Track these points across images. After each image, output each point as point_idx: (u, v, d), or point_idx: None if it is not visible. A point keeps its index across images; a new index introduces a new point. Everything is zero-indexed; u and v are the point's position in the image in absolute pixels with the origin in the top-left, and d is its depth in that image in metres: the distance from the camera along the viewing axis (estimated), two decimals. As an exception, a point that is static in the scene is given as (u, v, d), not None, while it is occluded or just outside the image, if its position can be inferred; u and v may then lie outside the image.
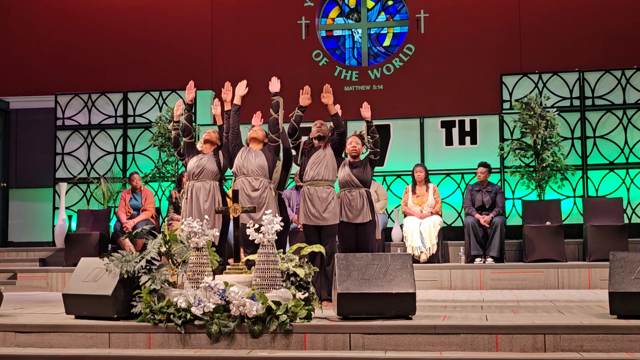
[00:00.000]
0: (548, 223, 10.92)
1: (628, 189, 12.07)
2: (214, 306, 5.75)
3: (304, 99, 7.97)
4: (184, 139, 8.07)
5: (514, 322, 5.78)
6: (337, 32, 14.83)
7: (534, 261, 10.58)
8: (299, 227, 8.62)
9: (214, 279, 5.94)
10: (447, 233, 11.80)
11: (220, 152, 7.96)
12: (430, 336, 5.55)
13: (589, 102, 12.40)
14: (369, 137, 7.99)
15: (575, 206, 12.08)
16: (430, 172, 11.74)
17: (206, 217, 6.55)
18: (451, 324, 5.72)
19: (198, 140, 8.66)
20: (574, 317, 6.06)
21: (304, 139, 8.06)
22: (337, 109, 7.98)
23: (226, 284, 5.86)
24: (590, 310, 6.72)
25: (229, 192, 6.93)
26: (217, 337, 5.70)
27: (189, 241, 6.15)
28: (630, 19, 13.29)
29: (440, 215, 11.18)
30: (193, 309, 5.73)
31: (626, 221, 11.64)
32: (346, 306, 5.95)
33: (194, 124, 8.03)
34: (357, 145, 8.07)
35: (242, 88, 8.01)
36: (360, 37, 14.73)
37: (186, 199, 7.80)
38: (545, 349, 5.42)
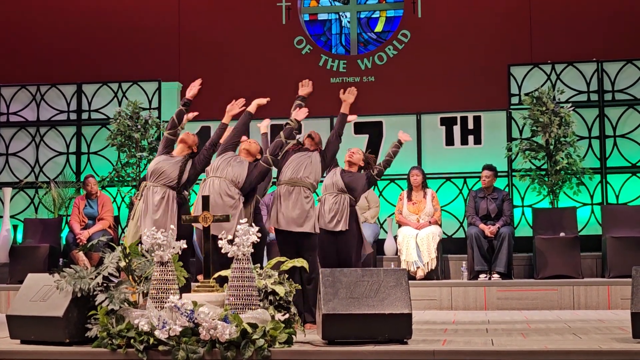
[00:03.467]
0: (562, 234, 10.96)
1: (653, 196, 12.16)
2: (180, 329, 5.73)
3: (305, 89, 7.98)
4: (166, 132, 8.08)
5: (523, 347, 5.79)
6: (322, 16, 14.86)
7: (546, 277, 10.61)
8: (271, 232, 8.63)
9: (180, 297, 5.92)
10: (448, 245, 11.81)
11: (190, 161, 7.91)
12: (429, 363, 5.56)
13: (608, 97, 12.46)
14: (378, 166, 8.13)
15: (593, 215, 12.13)
16: (428, 176, 11.76)
17: (172, 226, 6.53)
18: (452, 349, 5.72)
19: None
20: (591, 342, 6.08)
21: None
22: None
23: (195, 303, 5.84)
24: (610, 333, 6.74)
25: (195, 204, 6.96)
26: (185, 365, 5.67)
27: (152, 255, 6.13)
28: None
29: (440, 225, 11.20)
30: (157, 333, 5.71)
31: (651, 232, 11.69)
32: (332, 329, 5.94)
33: (175, 120, 8.03)
34: (356, 154, 8.14)
35: (263, 100, 8.06)
36: (348, 22, 14.76)
37: (138, 200, 7.80)
38: (559, 377, 5.44)
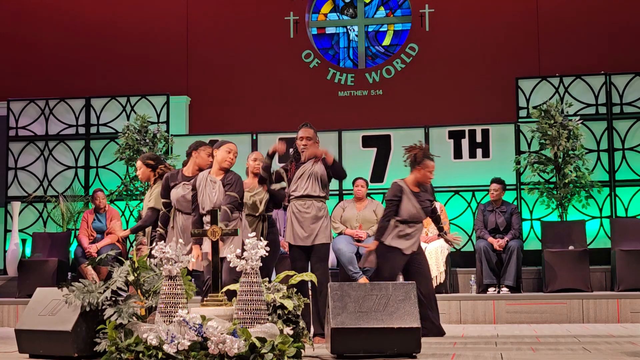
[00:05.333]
0: (571, 247, 10.93)
1: (662, 209, 12.12)
2: (189, 343, 5.72)
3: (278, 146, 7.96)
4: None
5: (533, 361, 5.79)
6: (330, 30, 14.89)
7: (555, 291, 10.58)
8: (285, 249, 8.65)
9: (189, 312, 5.92)
10: (456, 259, 11.79)
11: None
12: (438, 377, 5.55)
13: (617, 110, 12.45)
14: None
15: (602, 228, 12.10)
16: (436, 190, 11.73)
17: (180, 241, 6.54)
18: (461, 363, 5.72)
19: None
20: (601, 356, 6.06)
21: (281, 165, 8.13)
22: (331, 154, 7.93)
23: (203, 317, 5.83)
24: (620, 347, 6.72)
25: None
26: (193, 379, 5.66)
27: (161, 269, 6.13)
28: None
29: (448, 239, 11.18)
30: (165, 347, 5.70)
31: (660, 245, 11.65)
32: (341, 343, 5.94)
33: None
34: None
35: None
36: (356, 36, 14.79)
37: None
38: (569, 391, 5.43)
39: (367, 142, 12.68)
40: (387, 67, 14.31)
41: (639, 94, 12.43)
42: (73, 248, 12.02)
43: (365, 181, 11.10)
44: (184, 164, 8.06)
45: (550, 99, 12.31)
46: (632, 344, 6.89)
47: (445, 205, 11.92)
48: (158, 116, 13.26)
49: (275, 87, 14.38)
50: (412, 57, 14.24)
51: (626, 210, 12.19)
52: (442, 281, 10.78)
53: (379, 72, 14.31)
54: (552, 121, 11.49)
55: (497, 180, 11.27)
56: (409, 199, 8.21)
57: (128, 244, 12.19)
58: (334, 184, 12.51)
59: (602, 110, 12.47)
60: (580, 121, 11.67)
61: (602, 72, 12.63)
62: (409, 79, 14.12)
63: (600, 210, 12.17)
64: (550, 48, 13.67)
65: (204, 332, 5.73)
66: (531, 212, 12.28)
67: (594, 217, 12.16)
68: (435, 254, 10.78)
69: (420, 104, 13.83)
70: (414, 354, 5.96)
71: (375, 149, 12.67)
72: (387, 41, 14.75)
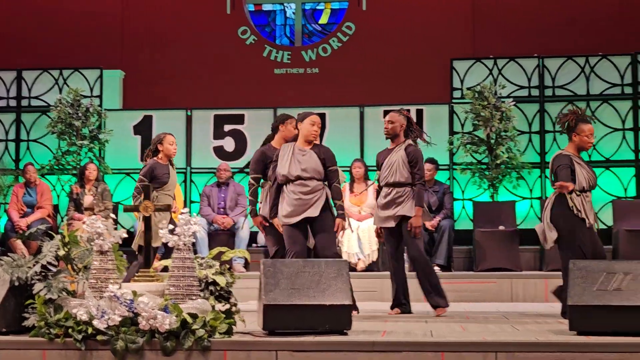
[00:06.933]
0: (501, 227, 11.07)
1: (590, 191, 12.28)
2: (120, 319, 5.67)
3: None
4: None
5: (462, 338, 5.84)
6: (266, 7, 14.81)
7: (485, 270, 10.71)
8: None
9: (120, 287, 5.87)
10: (389, 238, 11.84)
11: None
12: (368, 354, 5.57)
13: (549, 92, 12.61)
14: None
15: (532, 209, 12.26)
16: (370, 169, 11.78)
17: (112, 215, 6.50)
18: (392, 340, 5.75)
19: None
20: (529, 333, 6.15)
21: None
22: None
23: (135, 293, 5.79)
24: (547, 325, 6.82)
25: None
26: (123, 355, 5.62)
27: (92, 243, 6.06)
28: (595, 2, 13.55)
29: (381, 218, 11.23)
30: (95, 322, 5.65)
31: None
32: (273, 319, 5.93)
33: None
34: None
35: None
36: (293, 13, 14.73)
37: None
38: (497, 368, 5.49)
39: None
40: (323, 46, 14.29)
41: (571, 77, 12.61)
42: (3, 222, 11.84)
43: None
44: (270, 138, 8.14)
45: (484, 80, 12.40)
46: (559, 322, 7.00)
47: (378, 184, 11.95)
48: (91, 90, 13.06)
49: (211, 63, 14.26)
50: (348, 36, 14.24)
51: (556, 191, 12.35)
52: (374, 260, 10.83)
53: (315, 51, 14.29)
54: (486, 102, 11.60)
55: (430, 160, 11.34)
56: (581, 167, 7.54)
57: (59, 219, 12.05)
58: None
59: (535, 92, 12.62)
60: (513, 103, 11.80)
61: (535, 55, 12.78)
62: (345, 58, 14.12)
63: (531, 191, 12.34)
64: (485, 30, 13.78)
65: (135, 308, 5.69)
66: (463, 192, 12.39)
67: (524, 198, 12.32)
68: (368, 232, 10.80)
69: (356, 82, 13.84)
70: (345, 331, 5.99)
71: (311, 127, 12.64)
72: (324, 19, 14.73)
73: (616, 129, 12.31)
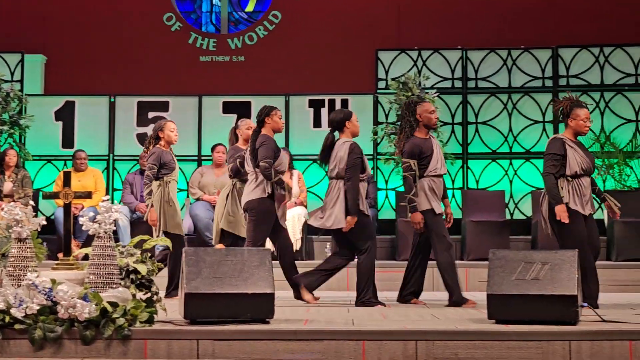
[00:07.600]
0: (423, 217, 11.16)
1: (511, 182, 12.48)
2: (38, 307, 5.60)
3: None
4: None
5: (383, 327, 5.89)
6: (192, -7, 14.69)
7: (407, 259, 10.77)
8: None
9: (39, 275, 5.78)
10: (313, 227, 11.84)
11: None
12: (290, 342, 5.58)
13: (472, 84, 12.76)
14: None
15: (454, 199, 12.40)
16: (295, 158, 11.79)
17: (31, 202, 6.41)
18: (313, 328, 5.78)
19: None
20: (448, 322, 6.23)
21: None
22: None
23: (53, 281, 5.71)
24: (467, 314, 6.92)
25: None
26: (42, 344, 5.55)
27: (10, 231, 5.97)
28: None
29: (306, 207, 11.26)
30: (13, 311, 5.57)
31: (508, 217, 12.03)
32: (194, 308, 5.92)
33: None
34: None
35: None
36: (219, 0, 14.63)
37: None
38: (417, 356, 5.54)
39: (227, 108, 12.60)
40: (249, 34, 14.24)
41: (493, 69, 12.78)
42: None
43: (225, 147, 11.04)
44: (258, 131, 8.36)
45: (408, 71, 12.48)
46: (478, 311, 7.10)
47: (303, 173, 11.97)
48: (12, 74, 12.78)
49: (135, 49, 14.10)
50: (274, 24, 14.21)
51: (477, 182, 12.53)
52: (298, 248, 10.84)
53: (241, 38, 14.23)
54: (410, 93, 11.68)
55: (354, 150, 11.38)
56: (574, 151, 7.51)
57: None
58: (193, 149, 12.45)
59: (458, 84, 12.76)
60: (437, 94, 11.90)
61: (459, 47, 12.91)
62: (271, 47, 14.09)
63: (453, 181, 12.48)
64: (410, 21, 13.87)
65: (54, 296, 5.63)
66: (387, 182, 12.48)
67: (446, 188, 12.41)
68: (292, 221, 10.83)
69: (282, 71, 13.82)
70: (267, 320, 5.99)
71: (235, 116, 12.58)
72: (250, 7, 14.66)
73: (537, 121, 12.52)
